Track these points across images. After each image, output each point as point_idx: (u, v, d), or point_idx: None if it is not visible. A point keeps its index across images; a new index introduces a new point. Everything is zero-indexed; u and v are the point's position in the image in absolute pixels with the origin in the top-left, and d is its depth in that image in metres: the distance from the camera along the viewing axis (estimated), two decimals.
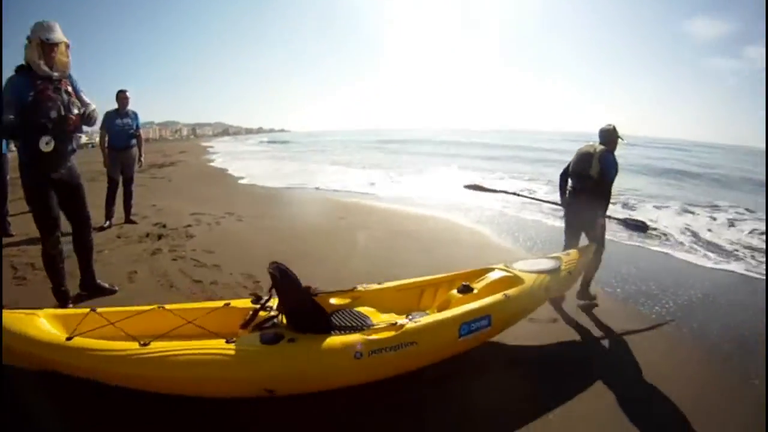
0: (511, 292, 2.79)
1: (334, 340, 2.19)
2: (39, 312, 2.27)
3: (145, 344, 2.06)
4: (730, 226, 7.63)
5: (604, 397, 2.51)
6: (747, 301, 4.20)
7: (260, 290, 3.63)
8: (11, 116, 2.72)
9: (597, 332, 3.37)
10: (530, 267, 3.21)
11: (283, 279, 2.29)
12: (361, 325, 2.44)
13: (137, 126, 5.78)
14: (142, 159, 6.00)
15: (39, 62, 2.84)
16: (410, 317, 2.51)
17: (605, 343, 3.25)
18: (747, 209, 9.22)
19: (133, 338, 2.13)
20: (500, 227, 6.84)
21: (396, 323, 2.35)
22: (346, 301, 2.84)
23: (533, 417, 2.27)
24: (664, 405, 2.48)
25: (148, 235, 5.34)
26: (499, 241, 6.12)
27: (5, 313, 2.20)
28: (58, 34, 2.89)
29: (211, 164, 17.41)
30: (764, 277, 4.85)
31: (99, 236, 4.96)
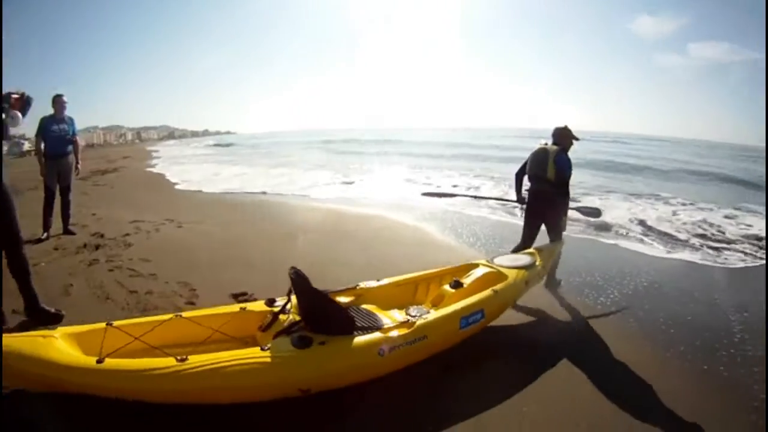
0: (498, 287, 3.15)
1: (360, 340, 2.39)
2: (54, 332, 2.18)
3: (183, 359, 2.05)
4: (673, 215, 8.20)
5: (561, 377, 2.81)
6: (693, 287, 4.54)
7: (196, 299, 3.74)
8: None
9: (548, 320, 3.70)
10: (511, 263, 3.58)
11: (303, 283, 2.41)
12: (374, 323, 2.65)
13: (74, 132, 5.62)
14: (80, 166, 5.83)
15: None
16: (408, 311, 2.88)
17: (552, 330, 3.54)
18: (687, 200, 10.04)
19: (166, 353, 2.13)
20: (444, 224, 7.01)
21: (407, 321, 2.63)
22: (351, 298, 3.07)
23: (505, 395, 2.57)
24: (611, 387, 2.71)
25: (85, 245, 5.24)
26: (442, 238, 6.28)
27: (18, 336, 2.12)
28: None
29: (153, 170, 16.90)
30: (713, 264, 5.37)
31: (35, 249, 4.88)
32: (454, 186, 11.72)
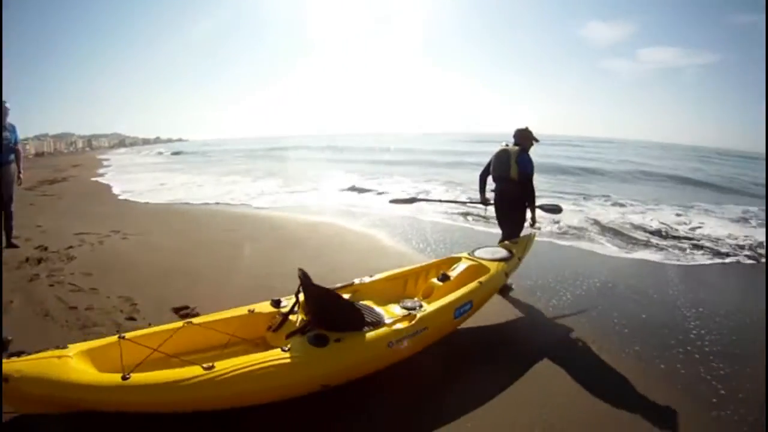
0: (483, 279, 3.42)
1: (371, 335, 2.56)
2: (67, 351, 2.16)
3: (209, 367, 2.08)
4: (626, 215, 8.43)
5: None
6: (647, 285, 4.67)
7: (137, 313, 3.72)
8: None
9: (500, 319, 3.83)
10: (491, 256, 3.86)
11: (312, 284, 2.53)
12: (378, 318, 2.78)
13: (16, 140, 5.39)
14: (22, 176, 5.63)
15: None
16: (404, 304, 3.06)
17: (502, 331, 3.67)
18: (639, 200, 10.66)
19: (185, 362, 2.19)
20: (394, 230, 7.06)
21: (408, 314, 2.83)
22: (348, 294, 3.25)
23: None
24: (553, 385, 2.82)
25: (27, 259, 5.12)
26: (391, 244, 6.35)
27: (32, 359, 2.08)
28: None
29: (102, 179, 16.40)
30: (667, 262, 5.59)
31: None
32: (403, 191, 11.99)
